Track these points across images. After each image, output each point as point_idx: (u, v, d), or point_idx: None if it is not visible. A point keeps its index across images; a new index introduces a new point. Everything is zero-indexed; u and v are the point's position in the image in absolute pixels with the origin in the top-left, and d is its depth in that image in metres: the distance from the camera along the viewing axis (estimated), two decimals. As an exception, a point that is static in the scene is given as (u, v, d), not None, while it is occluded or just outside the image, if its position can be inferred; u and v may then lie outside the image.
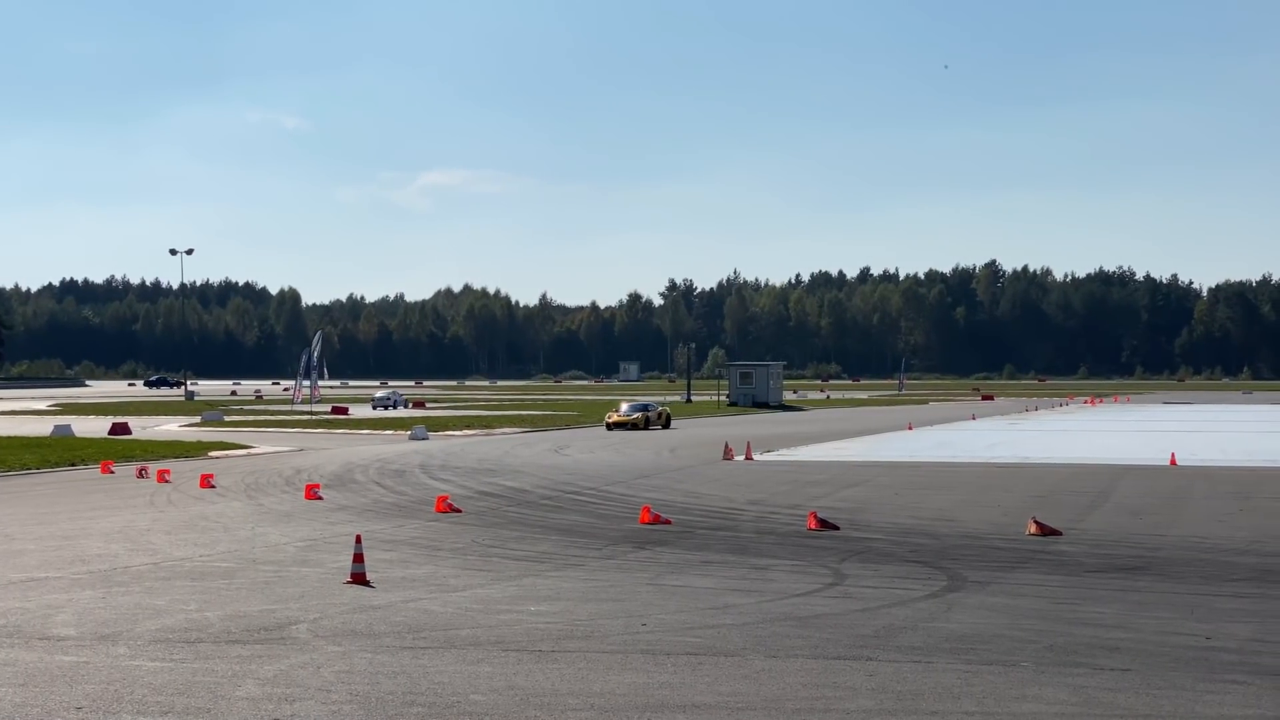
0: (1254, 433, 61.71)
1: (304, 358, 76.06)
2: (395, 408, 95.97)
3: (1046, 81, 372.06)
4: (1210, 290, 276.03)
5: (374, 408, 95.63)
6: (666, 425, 65.51)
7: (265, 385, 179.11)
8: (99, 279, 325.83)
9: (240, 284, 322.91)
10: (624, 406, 66.74)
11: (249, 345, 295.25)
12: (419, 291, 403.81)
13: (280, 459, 43.76)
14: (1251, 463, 41.31)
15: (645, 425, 63.06)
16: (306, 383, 75.62)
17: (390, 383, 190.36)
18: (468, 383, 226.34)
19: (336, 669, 12.89)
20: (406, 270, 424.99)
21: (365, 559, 18.96)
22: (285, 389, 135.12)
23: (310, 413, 77.53)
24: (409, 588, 17.99)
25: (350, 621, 15.41)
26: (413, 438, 55.92)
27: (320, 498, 30.48)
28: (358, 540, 19.36)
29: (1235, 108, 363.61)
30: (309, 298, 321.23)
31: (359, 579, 18.32)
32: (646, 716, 11.09)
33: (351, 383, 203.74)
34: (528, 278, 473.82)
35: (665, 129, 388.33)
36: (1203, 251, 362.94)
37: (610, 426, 62.90)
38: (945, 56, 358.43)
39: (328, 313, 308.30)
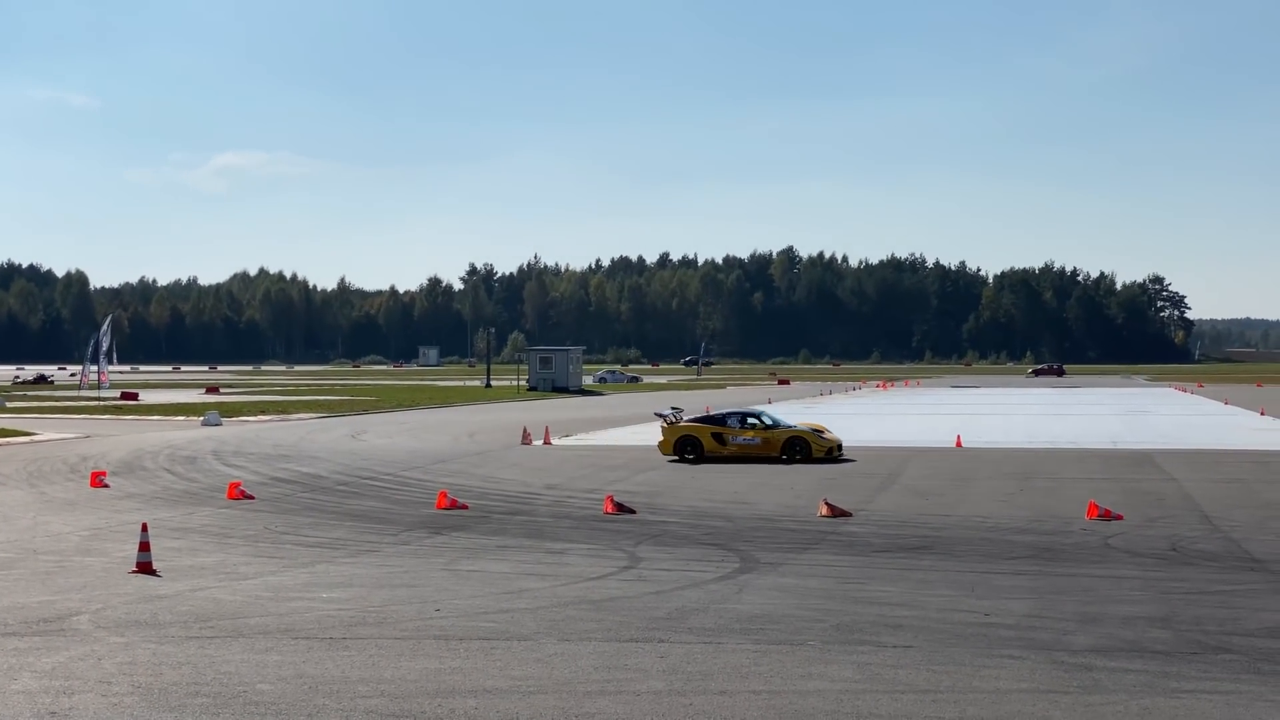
0: (1035, 415, 63.75)
1: (93, 342, 73.89)
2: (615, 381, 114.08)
3: (841, 75, 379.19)
4: (996, 277, 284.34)
5: (595, 380, 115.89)
6: None
7: (51, 370, 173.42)
8: None
9: (24, 266, 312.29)
10: None
11: (34, 329, 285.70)
12: (213, 275, 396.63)
13: (65, 446, 42.47)
14: (1032, 444, 42.67)
15: None
16: (95, 368, 73.51)
17: (615, 365, 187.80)
18: (264, 367, 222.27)
19: (118, 660, 12.58)
20: (200, 253, 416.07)
21: (152, 547, 18.54)
22: (72, 374, 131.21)
23: (99, 398, 75.35)
24: (197, 576, 17.63)
25: (134, 612, 15.04)
26: (206, 423, 54.73)
27: (107, 485, 29.68)
28: (144, 528, 18.90)
29: (1019, 102, 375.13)
30: (97, 280, 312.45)
31: (145, 568, 17.90)
32: (437, 702, 11.05)
33: (142, 368, 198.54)
34: (326, 261, 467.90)
35: (465, 112, 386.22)
36: (989, 240, 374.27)
37: None
38: (743, 44, 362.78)
39: (117, 296, 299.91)
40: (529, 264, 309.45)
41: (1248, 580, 17.20)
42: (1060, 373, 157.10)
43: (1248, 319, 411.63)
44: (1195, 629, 14.04)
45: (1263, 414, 61.40)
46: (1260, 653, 12.91)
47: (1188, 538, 21.26)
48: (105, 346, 73.94)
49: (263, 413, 64.27)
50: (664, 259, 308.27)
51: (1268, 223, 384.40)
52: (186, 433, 49.29)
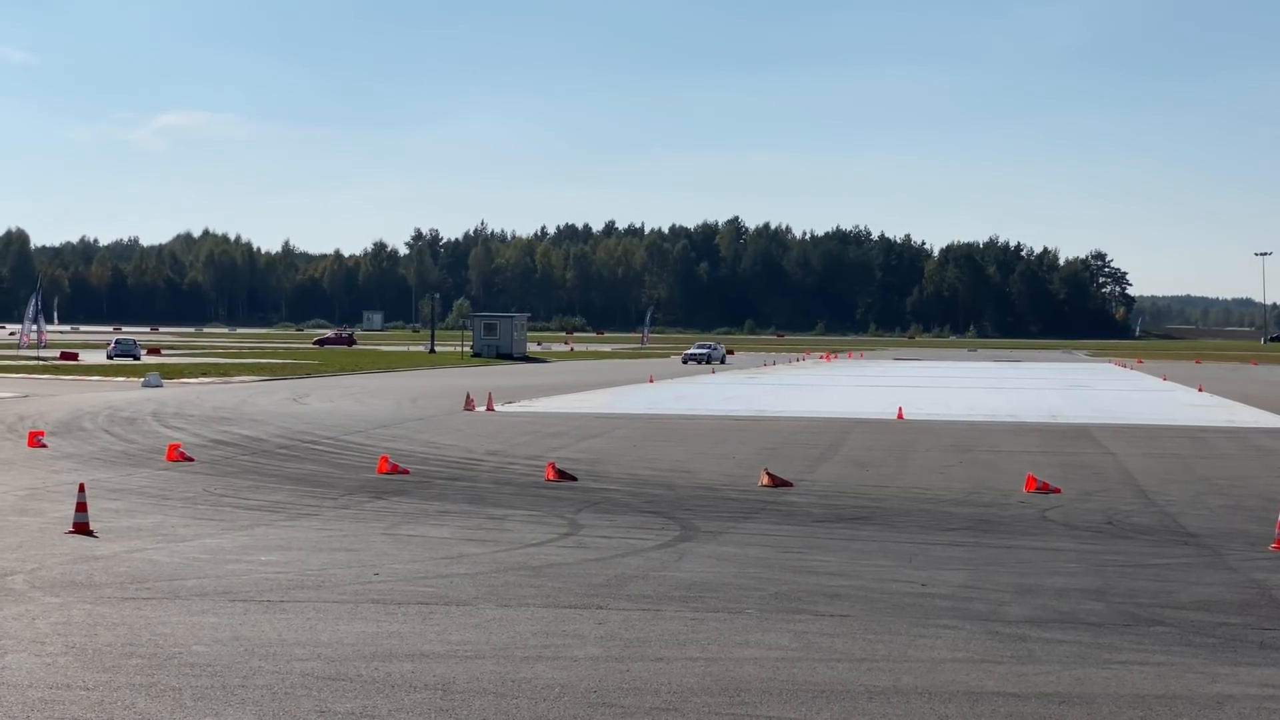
0: (976, 388, 64.19)
1: (31, 301, 73.08)
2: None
3: (790, 46, 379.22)
4: (940, 251, 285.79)
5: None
6: None
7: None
8: None
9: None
10: None
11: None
12: (156, 235, 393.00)
13: (3, 405, 42.02)
14: (972, 417, 42.97)
15: None
16: (34, 327, 72.73)
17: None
18: (206, 330, 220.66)
19: (53, 620, 12.49)
20: (142, 213, 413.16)
21: (89, 508, 18.36)
22: (11, 333, 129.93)
23: (38, 358, 74.59)
24: (134, 537, 17.51)
25: (70, 572, 14.93)
26: (146, 385, 54.26)
27: (44, 445, 29.38)
28: (81, 489, 18.73)
29: (966, 76, 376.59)
30: (38, 239, 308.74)
31: (82, 529, 17.75)
32: (374, 666, 11.03)
33: (83, 328, 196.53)
34: (270, 224, 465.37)
35: (413, 76, 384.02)
36: (934, 213, 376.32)
37: None
38: (693, 12, 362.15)
39: (58, 255, 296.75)
40: (475, 230, 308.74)
41: (1181, 554, 17.40)
42: (350, 341, 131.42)
43: (1188, 296, 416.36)
44: (1129, 601, 14.19)
45: (1200, 390, 62.06)
46: (1192, 625, 13.07)
47: (1123, 511, 21.48)
48: (41, 306, 73.06)
49: (204, 375, 63.82)
50: (610, 227, 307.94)
51: (1209, 202, 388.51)
52: (126, 394, 48.88)
